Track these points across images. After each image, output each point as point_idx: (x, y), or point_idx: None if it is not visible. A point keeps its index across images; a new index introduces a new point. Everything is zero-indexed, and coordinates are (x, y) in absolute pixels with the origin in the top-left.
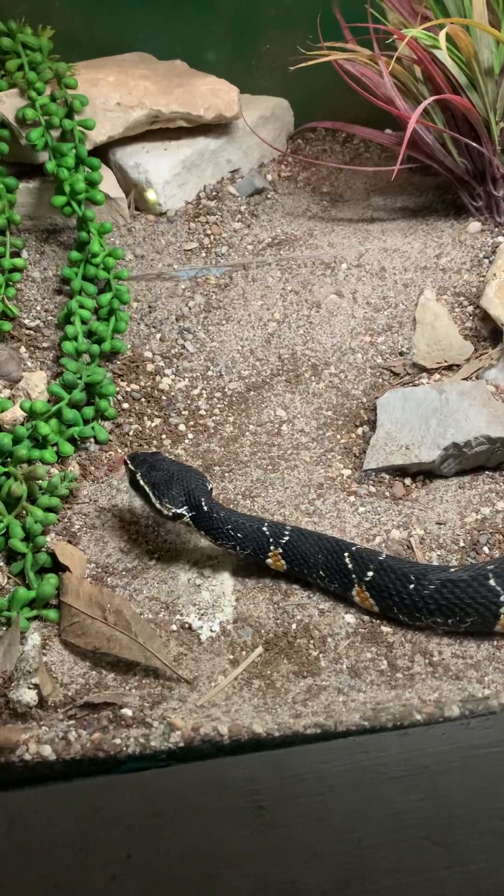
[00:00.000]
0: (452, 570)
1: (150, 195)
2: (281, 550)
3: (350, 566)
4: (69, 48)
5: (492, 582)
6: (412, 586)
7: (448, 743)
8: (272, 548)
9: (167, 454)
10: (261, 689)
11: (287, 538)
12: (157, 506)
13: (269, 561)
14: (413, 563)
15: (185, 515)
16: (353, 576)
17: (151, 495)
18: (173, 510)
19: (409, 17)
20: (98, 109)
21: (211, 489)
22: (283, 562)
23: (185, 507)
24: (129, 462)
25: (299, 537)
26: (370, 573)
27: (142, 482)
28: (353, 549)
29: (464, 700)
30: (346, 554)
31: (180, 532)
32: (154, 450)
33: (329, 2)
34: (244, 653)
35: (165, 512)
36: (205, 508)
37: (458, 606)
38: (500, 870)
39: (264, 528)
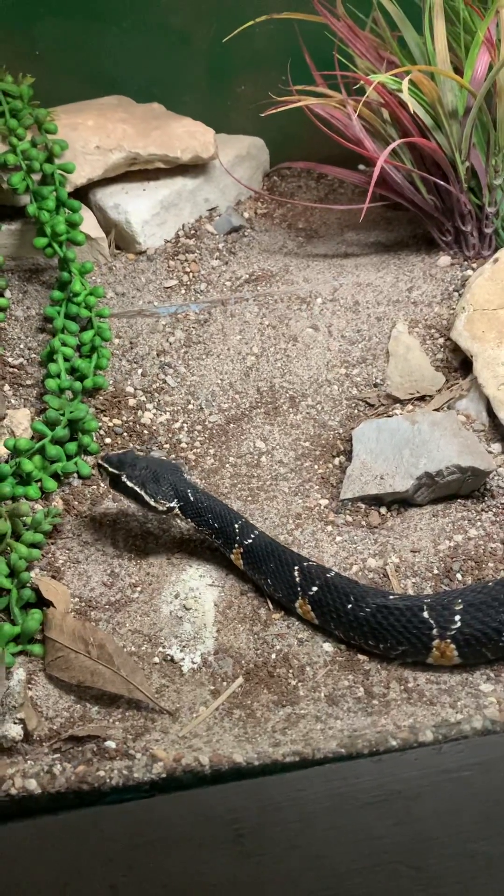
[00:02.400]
0: (392, 597)
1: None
2: (242, 550)
3: (297, 579)
4: (48, 92)
5: (425, 614)
6: (349, 606)
7: (420, 768)
8: (236, 546)
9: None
10: (241, 718)
11: (250, 541)
12: (153, 503)
13: (231, 556)
14: (358, 584)
15: (175, 507)
16: (299, 588)
17: (144, 494)
18: (167, 504)
19: (375, 63)
20: (78, 153)
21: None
22: (241, 560)
23: (175, 500)
24: (107, 465)
25: (261, 543)
26: (314, 588)
27: (130, 483)
28: (305, 564)
29: (437, 725)
30: (296, 567)
31: (163, 565)
32: (123, 449)
33: (299, 47)
34: (225, 683)
35: (161, 508)
36: (191, 499)
37: (389, 633)
38: (473, 891)
39: (235, 526)
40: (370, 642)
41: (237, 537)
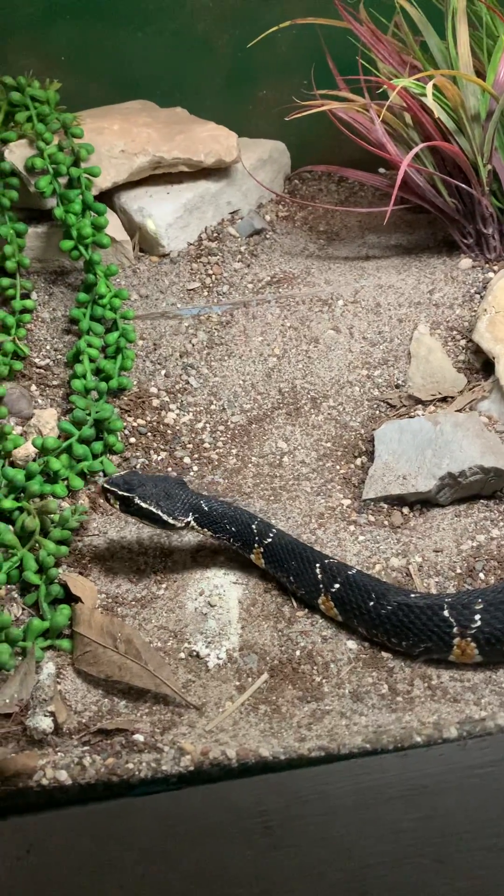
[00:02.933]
0: (413, 594)
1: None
2: (262, 549)
3: (319, 576)
4: (74, 97)
5: (445, 612)
6: (371, 603)
7: (446, 763)
8: (256, 546)
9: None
10: (267, 714)
11: (270, 539)
12: (171, 521)
13: (252, 556)
14: (380, 582)
15: (191, 521)
16: (321, 585)
17: (161, 513)
18: (185, 519)
19: (398, 67)
20: (103, 157)
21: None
22: (262, 560)
23: (190, 513)
24: (115, 489)
25: (281, 541)
26: (337, 585)
27: (144, 504)
28: (326, 561)
29: (461, 722)
30: (318, 565)
31: (187, 563)
32: (122, 471)
33: (321, 51)
34: (250, 679)
35: (179, 524)
36: (205, 509)
37: (411, 631)
38: (498, 884)
39: (253, 526)
40: (392, 640)
41: (256, 537)
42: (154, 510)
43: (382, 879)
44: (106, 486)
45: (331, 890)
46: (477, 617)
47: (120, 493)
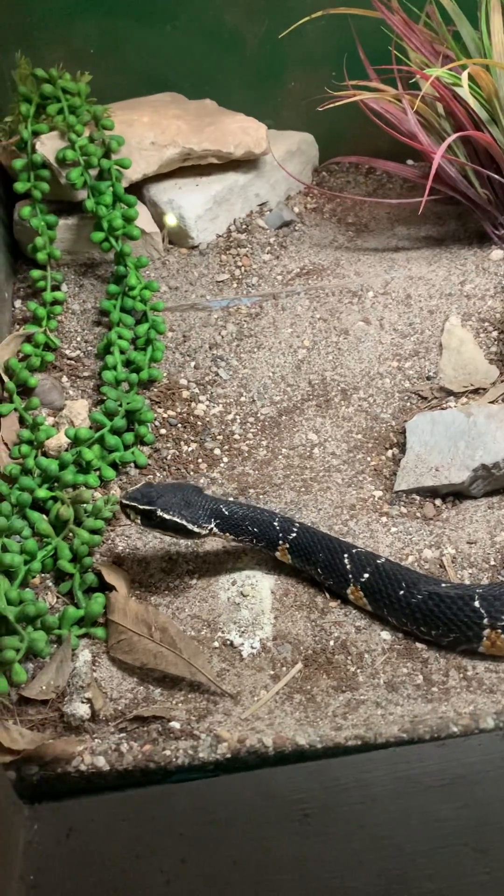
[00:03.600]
0: (444, 584)
1: (170, 220)
2: (288, 545)
3: (348, 566)
4: (104, 90)
5: (476, 603)
6: (402, 593)
7: (484, 753)
8: (280, 542)
9: (203, 478)
10: (302, 703)
11: (294, 534)
12: (196, 529)
13: (277, 554)
14: (409, 571)
15: (213, 527)
16: (350, 576)
17: (185, 522)
18: (207, 526)
19: (430, 57)
20: (133, 149)
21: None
22: (289, 556)
23: (212, 519)
24: (135, 503)
25: (305, 535)
26: (366, 575)
27: (168, 515)
28: (353, 551)
29: (498, 712)
30: (345, 555)
31: (219, 553)
32: (148, 481)
33: (352, 41)
34: (284, 669)
35: (204, 532)
36: (225, 513)
37: (440, 620)
38: None
39: (275, 524)
40: (422, 629)
41: (280, 534)
42: (178, 520)
43: (422, 868)
44: (125, 501)
45: (371, 877)
46: None
47: (140, 507)
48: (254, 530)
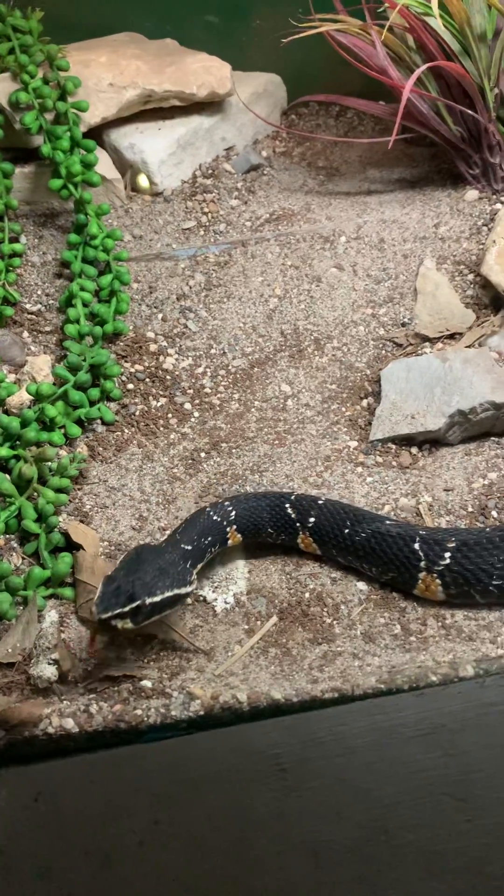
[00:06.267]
0: (388, 521)
1: (142, 180)
2: (235, 526)
3: (293, 515)
4: (57, 31)
5: (416, 545)
6: (347, 531)
7: (464, 701)
8: (229, 529)
9: (174, 433)
10: (277, 657)
11: (233, 514)
12: (188, 590)
13: (230, 542)
14: (353, 508)
15: (195, 570)
16: (297, 524)
17: (179, 591)
18: (190, 578)
19: None
20: (91, 91)
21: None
22: (238, 536)
23: (190, 564)
24: (118, 609)
25: (243, 507)
26: (312, 519)
27: (159, 598)
28: (293, 497)
29: (478, 660)
30: (287, 504)
31: (190, 509)
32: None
33: None
34: (259, 623)
35: (195, 587)
36: (185, 547)
37: (380, 559)
38: None
39: (215, 518)
40: (364, 565)
41: (224, 526)
42: (170, 593)
43: (403, 818)
44: (102, 617)
45: (351, 829)
46: (447, 555)
47: (126, 609)
48: (205, 540)
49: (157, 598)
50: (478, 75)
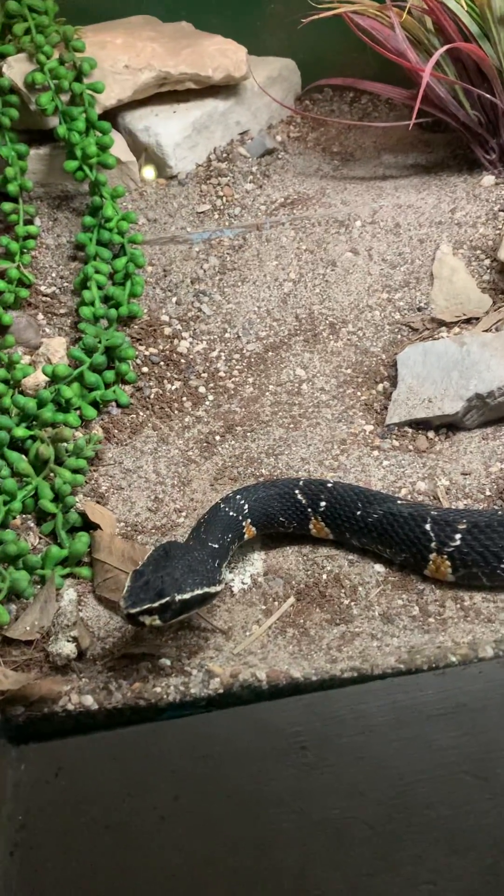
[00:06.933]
0: (400, 501)
1: (147, 172)
2: (250, 519)
3: (303, 501)
4: (73, 13)
5: (427, 526)
6: (359, 513)
7: (485, 681)
8: (244, 523)
9: (189, 416)
10: (295, 636)
11: (246, 507)
12: (217, 589)
13: (246, 536)
14: (363, 489)
15: (224, 567)
16: (309, 510)
17: (210, 588)
18: (219, 577)
19: None
20: (107, 72)
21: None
22: (253, 529)
23: (217, 563)
24: (147, 605)
25: (254, 498)
26: (323, 503)
27: (188, 595)
28: (301, 483)
29: (498, 641)
30: (296, 490)
31: (206, 491)
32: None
33: None
34: (276, 603)
35: (224, 585)
36: (214, 545)
37: (392, 539)
38: None
39: (231, 514)
40: (379, 547)
41: (239, 519)
42: (200, 591)
43: (424, 796)
44: (131, 612)
45: (372, 807)
46: (457, 536)
47: (155, 605)
48: (227, 537)
49: (186, 596)
50: (496, 58)
